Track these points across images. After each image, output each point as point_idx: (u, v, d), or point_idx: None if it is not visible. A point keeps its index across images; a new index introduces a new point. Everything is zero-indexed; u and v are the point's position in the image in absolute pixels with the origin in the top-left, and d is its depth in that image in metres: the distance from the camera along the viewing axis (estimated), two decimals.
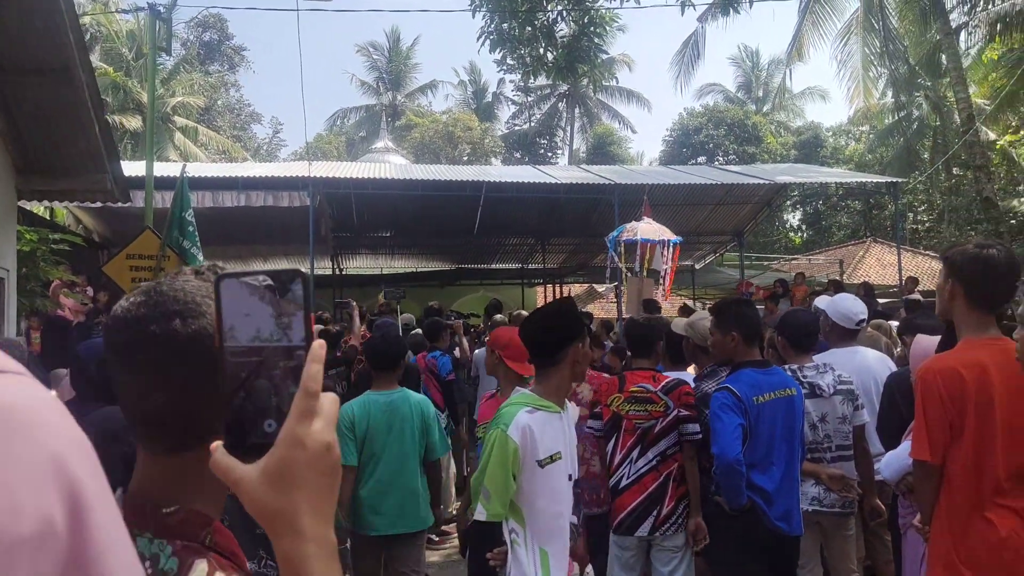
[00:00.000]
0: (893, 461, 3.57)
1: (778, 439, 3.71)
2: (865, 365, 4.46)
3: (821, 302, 5.03)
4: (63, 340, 9.59)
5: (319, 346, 0.76)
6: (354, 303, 9.20)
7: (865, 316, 4.59)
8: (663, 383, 4.16)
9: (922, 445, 2.70)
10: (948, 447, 2.66)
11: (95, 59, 30.15)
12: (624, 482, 4.09)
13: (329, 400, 0.76)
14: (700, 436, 4.03)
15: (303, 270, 0.78)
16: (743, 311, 3.80)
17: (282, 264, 20.49)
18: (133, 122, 30.14)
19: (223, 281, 0.77)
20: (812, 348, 4.23)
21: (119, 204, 8.59)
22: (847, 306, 4.55)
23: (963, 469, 2.63)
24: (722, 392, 3.69)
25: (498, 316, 8.35)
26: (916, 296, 11.71)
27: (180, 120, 32.17)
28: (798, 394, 3.82)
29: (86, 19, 31.91)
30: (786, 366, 4.11)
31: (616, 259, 11.44)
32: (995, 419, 2.59)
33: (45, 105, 6.38)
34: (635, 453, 4.09)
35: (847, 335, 4.45)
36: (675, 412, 4.09)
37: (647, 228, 11.53)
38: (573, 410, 3.25)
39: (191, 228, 7.12)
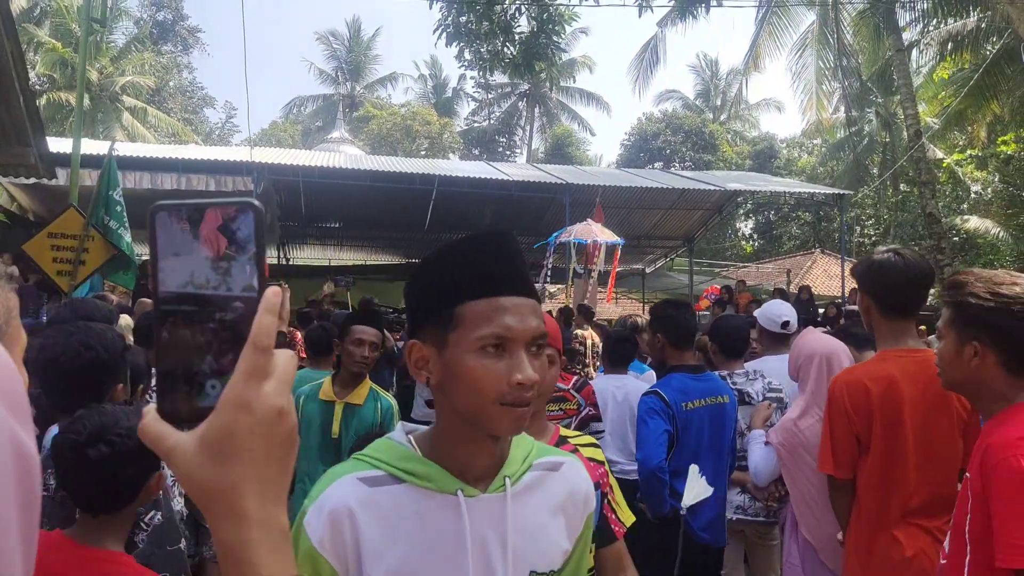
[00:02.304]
0: (761, 467, 3.60)
1: (705, 447, 3.61)
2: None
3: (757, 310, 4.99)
4: None
5: (273, 294, 0.62)
6: (283, 285, 8.88)
7: (790, 319, 4.50)
8: (573, 381, 4.13)
9: (827, 458, 2.64)
10: (856, 461, 2.59)
11: (44, 34, 29.24)
12: None
13: (285, 358, 0.64)
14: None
15: (255, 201, 0.64)
16: (670, 314, 3.69)
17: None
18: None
19: (158, 214, 0.63)
20: (742, 354, 4.15)
21: (47, 181, 8.23)
22: (771, 309, 4.50)
23: (870, 485, 2.56)
24: (650, 396, 3.57)
25: None
26: (855, 307, 11.84)
27: (129, 100, 31.30)
28: (731, 401, 3.73)
29: None
30: (716, 372, 4.03)
31: (554, 259, 11.39)
32: (905, 435, 2.51)
33: None
34: None
35: (777, 340, 4.38)
36: (586, 410, 4.06)
37: (584, 230, 11.48)
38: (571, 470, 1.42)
39: (119, 208, 6.81)
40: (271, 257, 19.30)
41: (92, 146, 11.62)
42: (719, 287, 15.55)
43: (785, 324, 4.35)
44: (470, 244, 1.22)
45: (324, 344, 4.66)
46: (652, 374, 6.41)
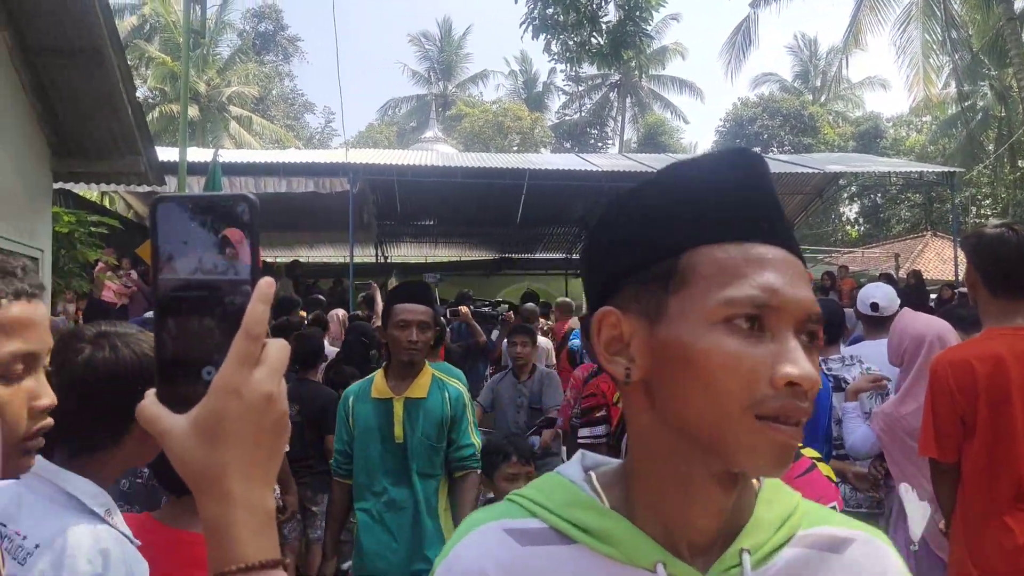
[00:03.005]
0: (859, 445, 3.46)
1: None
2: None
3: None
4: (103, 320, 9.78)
5: (267, 284, 0.65)
6: (375, 284, 9.11)
7: (878, 300, 4.30)
8: None
9: (929, 441, 2.52)
10: (960, 444, 2.46)
11: (155, 49, 30.83)
12: None
13: (277, 347, 0.66)
14: None
15: (249, 195, 0.68)
16: None
17: (327, 252, 20.80)
18: (190, 111, 30.70)
19: (160, 205, 0.67)
20: (837, 339, 4.00)
21: (157, 188, 8.69)
22: (863, 292, 4.33)
23: (976, 469, 2.43)
24: None
25: (528, 304, 8.22)
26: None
27: (235, 109, 32.71)
28: (825, 387, 3.60)
29: (146, 9, 32.69)
30: None
31: None
32: (1014, 415, 2.38)
33: (77, 87, 6.44)
34: None
35: (872, 324, 4.20)
36: None
37: None
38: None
39: None
40: (369, 256, 19.79)
41: (198, 154, 12.21)
42: (811, 273, 15.01)
43: (874, 306, 4.17)
44: (710, 164, 0.80)
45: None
46: None
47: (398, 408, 3.14)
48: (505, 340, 6.82)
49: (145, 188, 8.62)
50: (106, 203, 14.75)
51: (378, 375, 3.25)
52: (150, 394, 0.67)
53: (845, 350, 4.02)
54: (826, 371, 3.81)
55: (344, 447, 3.25)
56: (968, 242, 2.65)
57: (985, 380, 2.41)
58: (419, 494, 3.11)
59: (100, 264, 10.71)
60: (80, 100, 6.61)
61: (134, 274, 11.83)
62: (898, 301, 4.31)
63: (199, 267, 0.66)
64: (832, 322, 3.97)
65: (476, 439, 3.26)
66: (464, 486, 3.22)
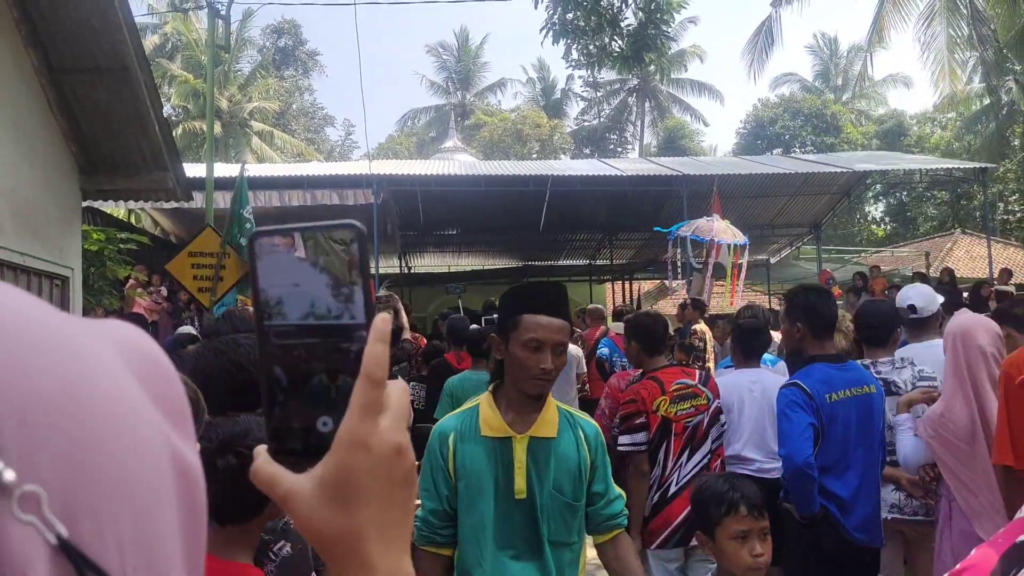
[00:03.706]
0: (911, 455, 3.36)
1: (854, 441, 3.38)
2: (939, 359, 4.07)
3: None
4: None
5: (383, 321, 0.59)
6: (396, 296, 9.02)
7: (915, 302, 4.17)
8: (696, 375, 4.01)
9: (1004, 448, 2.39)
10: None
11: (177, 67, 31.15)
12: (672, 490, 3.81)
13: (398, 391, 0.60)
14: None
15: (358, 223, 0.61)
16: (811, 300, 3.47)
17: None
18: (214, 128, 30.95)
19: (259, 240, 0.60)
20: (886, 342, 3.86)
21: (185, 204, 8.70)
22: (902, 294, 4.20)
23: None
24: (791, 389, 3.38)
25: None
26: (1008, 287, 10.98)
27: (257, 125, 32.94)
28: (878, 391, 3.48)
29: (167, 28, 33.06)
30: (860, 361, 3.78)
31: (679, 254, 11.05)
32: None
33: (104, 104, 6.44)
34: (684, 456, 3.82)
35: (914, 327, 4.07)
36: (715, 403, 3.95)
37: (706, 227, 11.07)
38: None
39: (248, 225, 7.13)
40: (393, 267, 19.79)
41: (224, 169, 12.26)
42: (829, 271, 14.80)
43: (911, 308, 4.04)
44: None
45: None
46: (783, 366, 6.12)
47: (520, 451, 2.27)
48: None
49: (172, 204, 8.62)
50: (132, 220, 14.84)
51: (484, 404, 2.35)
52: (262, 452, 0.60)
53: (898, 352, 3.88)
54: (875, 373, 3.68)
55: (442, 505, 2.32)
56: None
57: None
58: (551, 570, 2.28)
59: (131, 280, 10.76)
60: (107, 117, 6.62)
61: (164, 291, 11.87)
62: (938, 300, 4.17)
63: (310, 310, 0.59)
64: (878, 325, 3.85)
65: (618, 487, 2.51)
66: (621, 549, 2.43)
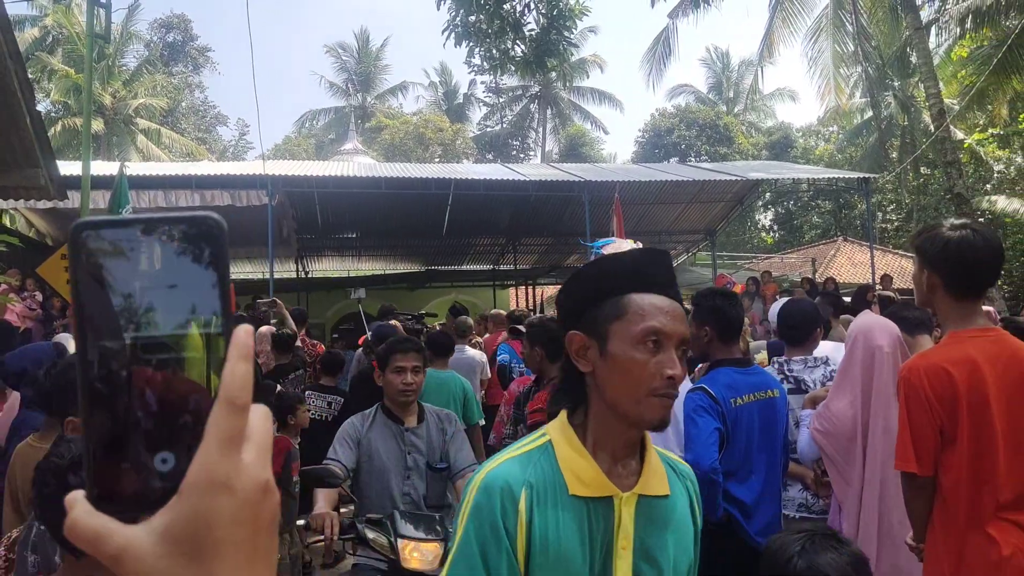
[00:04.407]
0: (804, 449, 3.52)
1: (757, 445, 3.37)
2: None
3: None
4: (6, 346, 9.13)
5: (245, 333, 0.49)
6: (280, 302, 8.68)
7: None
8: None
9: (907, 455, 2.39)
10: (938, 456, 2.36)
11: (57, 61, 29.44)
12: None
13: (261, 417, 0.50)
14: None
15: (216, 216, 0.50)
16: (719, 304, 3.45)
17: (245, 268, 20.09)
18: (95, 124, 29.43)
19: (85, 234, 0.47)
20: (804, 341, 3.91)
21: (60, 204, 8.13)
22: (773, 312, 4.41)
23: (958, 480, 2.32)
24: (697, 393, 3.34)
25: (461, 318, 7.96)
26: (889, 292, 11.52)
27: (143, 122, 31.52)
28: (781, 396, 3.50)
29: (48, 20, 31.20)
30: (774, 359, 3.83)
31: None
32: (992, 422, 2.28)
33: None
34: None
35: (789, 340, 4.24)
36: None
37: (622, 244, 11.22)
38: None
39: None
40: (290, 271, 19.19)
41: (104, 167, 11.57)
42: (727, 275, 15.26)
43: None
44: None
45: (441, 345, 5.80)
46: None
47: (626, 517, 1.43)
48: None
49: (46, 204, 8.02)
50: (6, 222, 13.84)
51: (562, 443, 1.47)
52: (78, 499, 0.47)
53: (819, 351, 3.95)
54: (787, 371, 3.73)
55: None
56: (928, 245, 2.49)
57: (964, 386, 2.30)
58: None
59: (3, 286, 10.00)
60: None
61: (39, 296, 11.10)
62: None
63: (140, 318, 0.48)
64: (798, 324, 3.90)
65: None
66: None
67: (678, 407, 4.31)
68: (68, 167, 8.92)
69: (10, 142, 6.44)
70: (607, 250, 9.41)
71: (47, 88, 29.64)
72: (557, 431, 1.50)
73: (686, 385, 4.27)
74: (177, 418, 0.49)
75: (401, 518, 3.24)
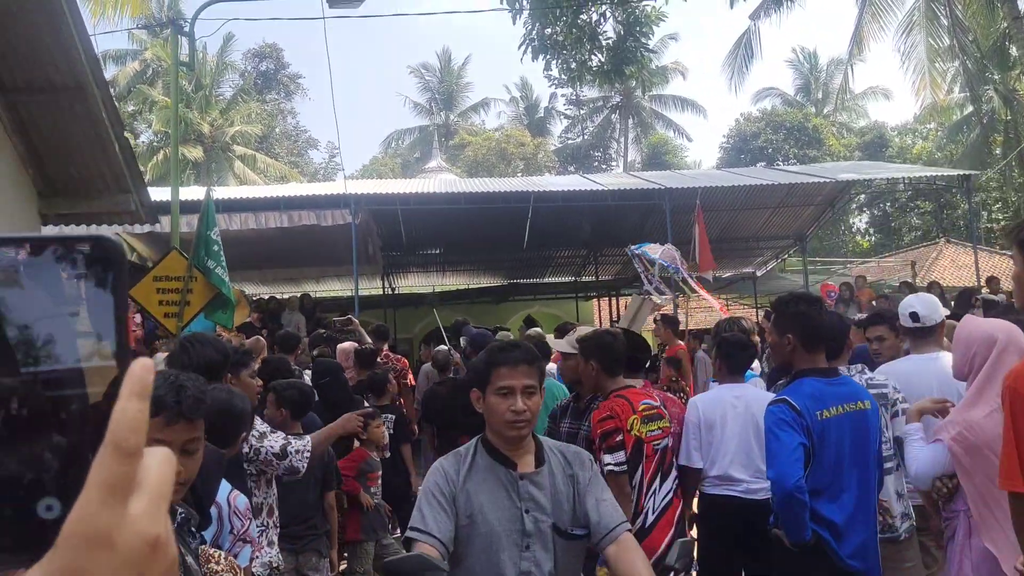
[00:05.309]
0: (925, 465, 3.09)
1: (848, 461, 3.15)
2: (943, 372, 3.85)
3: None
4: None
5: (142, 368, 0.44)
6: (354, 319, 8.72)
7: (916, 309, 4.02)
8: (656, 396, 3.90)
9: (1013, 473, 2.15)
10: None
11: (157, 92, 30.97)
12: (651, 518, 3.59)
13: (158, 461, 0.45)
14: None
15: (112, 238, 0.47)
16: (802, 310, 3.24)
17: (334, 285, 20.55)
18: (195, 152, 30.79)
19: None
20: (839, 353, 3.70)
21: (157, 228, 8.46)
22: (904, 302, 4.06)
23: None
24: (778, 406, 3.15)
25: (533, 330, 7.86)
26: (993, 297, 10.82)
27: (239, 149, 32.80)
28: (872, 407, 3.27)
29: (147, 54, 32.88)
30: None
31: (647, 269, 10.95)
32: None
33: (61, 125, 6.21)
34: (656, 482, 3.62)
35: (919, 336, 3.89)
36: (674, 427, 3.85)
37: (669, 254, 11.00)
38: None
39: (216, 247, 6.85)
40: (376, 288, 19.50)
41: (197, 193, 12.01)
42: (835, 284, 14.61)
43: (914, 316, 3.86)
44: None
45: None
46: (760, 380, 5.94)
47: None
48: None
49: (140, 228, 8.36)
50: None
51: None
52: None
53: (898, 363, 3.71)
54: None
55: None
56: None
57: None
58: None
59: None
60: (65, 139, 6.39)
61: (138, 317, 11.58)
62: (942, 310, 3.99)
63: (23, 346, 0.45)
64: (822, 336, 3.66)
65: None
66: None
67: (760, 418, 4.11)
68: (158, 193, 9.31)
69: (100, 170, 6.73)
70: (647, 251, 9.10)
71: (149, 119, 31.21)
72: None
73: (767, 396, 4.07)
74: (65, 460, 0.45)
75: None
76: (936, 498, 3.14)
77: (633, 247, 11.36)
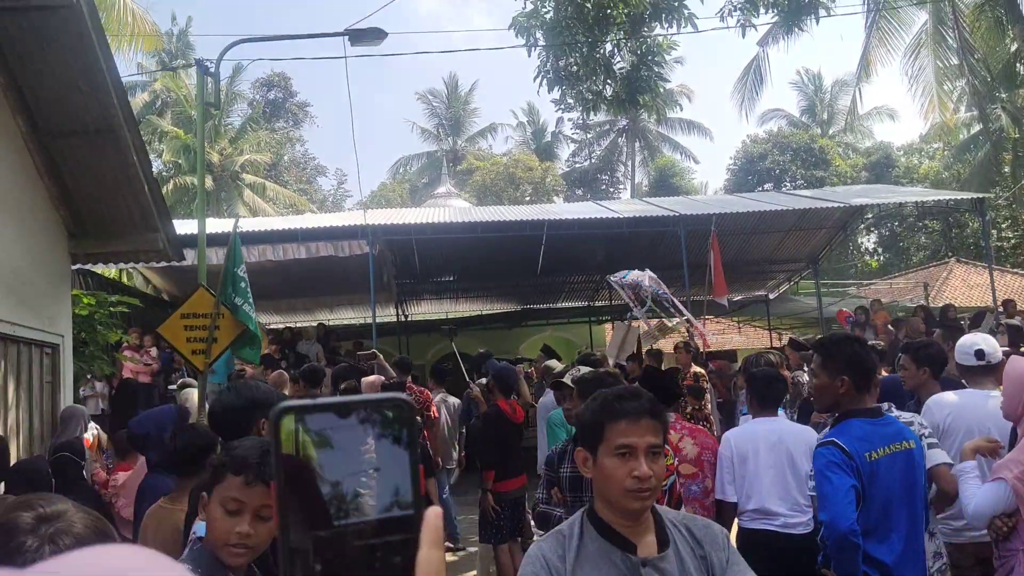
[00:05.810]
0: (984, 503, 3.08)
1: (897, 501, 3.16)
2: (995, 412, 3.84)
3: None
4: (131, 407, 9.66)
5: (435, 516, 0.50)
6: (377, 352, 8.77)
7: (983, 347, 4.01)
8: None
9: None
10: None
11: (167, 123, 31.26)
12: None
13: None
14: None
15: (404, 396, 0.53)
16: (856, 351, 3.26)
17: (348, 313, 20.61)
18: (206, 182, 30.97)
19: (285, 419, 0.49)
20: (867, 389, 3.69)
21: (176, 263, 8.53)
22: (968, 340, 4.03)
23: None
24: (827, 448, 3.16)
25: (551, 362, 7.88)
26: (1015, 322, 10.76)
27: (249, 177, 32.99)
28: (917, 447, 3.28)
29: (157, 85, 33.24)
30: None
31: (634, 296, 11.05)
32: None
33: (92, 166, 6.29)
34: None
35: (981, 374, 3.89)
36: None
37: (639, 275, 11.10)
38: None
39: (243, 284, 6.91)
40: (390, 315, 19.56)
41: (216, 224, 12.11)
42: (850, 309, 14.60)
43: (979, 354, 3.85)
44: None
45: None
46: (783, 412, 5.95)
47: None
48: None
49: (164, 264, 8.43)
50: (124, 279, 14.65)
51: None
52: None
53: (956, 395, 3.71)
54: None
55: None
56: None
57: None
58: None
59: (124, 345, 10.55)
60: (96, 180, 6.47)
61: (153, 351, 11.63)
62: (1000, 350, 4.00)
63: (339, 502, 0.48)
64: (873, 378, 3.66)
65: None
66: None
67: (794, 451, 4.10)
68: (181, 225, 9.39)
69: (129, 208, 6.80)
70: (629, 279, 9.16)
71: (158, 149, 31.49)
72: None
73: (800, 428, 4.07)
74: None
75: None
76: (994, 536, 3.14)
77: (612, 277, 11.47)
